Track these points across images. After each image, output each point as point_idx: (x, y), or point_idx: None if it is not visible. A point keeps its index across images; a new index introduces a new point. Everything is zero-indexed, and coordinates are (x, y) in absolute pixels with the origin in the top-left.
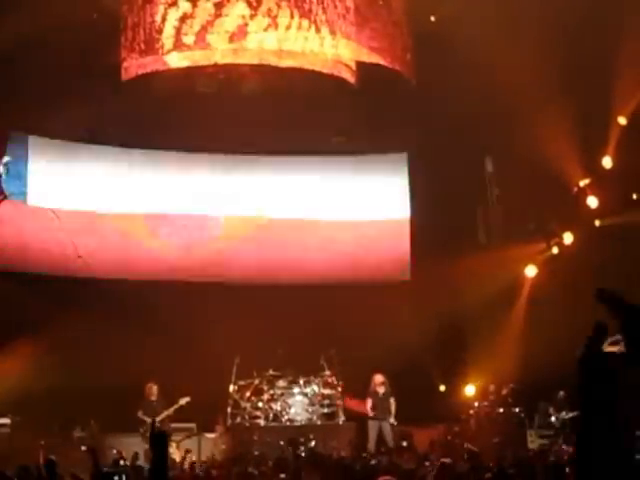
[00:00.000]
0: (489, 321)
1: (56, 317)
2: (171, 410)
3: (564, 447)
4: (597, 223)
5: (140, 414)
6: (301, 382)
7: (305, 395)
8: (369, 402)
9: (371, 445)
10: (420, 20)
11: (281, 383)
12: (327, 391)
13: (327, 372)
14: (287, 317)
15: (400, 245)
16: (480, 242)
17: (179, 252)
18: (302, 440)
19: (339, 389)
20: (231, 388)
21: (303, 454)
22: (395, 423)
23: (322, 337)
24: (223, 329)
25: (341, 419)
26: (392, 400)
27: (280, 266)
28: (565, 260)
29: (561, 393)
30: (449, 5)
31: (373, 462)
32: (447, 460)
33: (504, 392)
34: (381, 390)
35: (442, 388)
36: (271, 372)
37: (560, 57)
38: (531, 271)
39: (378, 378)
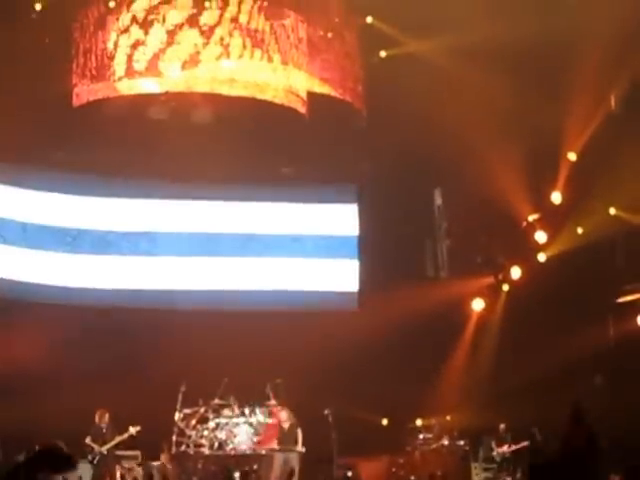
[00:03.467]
0: (435, 353)
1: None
2: (120, 439)
3: None
4: (542, 258)
5: (88, 440)
6: (246, 411)
7: (250, 424)
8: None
9: (275, 476)
10: (371, 54)
11: (226, 412)
12: (272, 420)
13: (273, 401)
14: (234, 345)
15: (348, 275)
16: (428, 274)
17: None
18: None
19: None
20: (176, 416)
21: None
22: (303, 450)
23: (268, 365)
24: (170, 356)
25: (299, 451)
26: (298, 431)
27: (228, 293)
28: (512, 294)
29: (502, 426)
30: (401, 41)
31: None
32: None
33: (448, 424)
34: (286, 425)
35: (384, 422)
36: (217, 401)
37: (511, 93)
38: (478, 304)
39: (283, 415)
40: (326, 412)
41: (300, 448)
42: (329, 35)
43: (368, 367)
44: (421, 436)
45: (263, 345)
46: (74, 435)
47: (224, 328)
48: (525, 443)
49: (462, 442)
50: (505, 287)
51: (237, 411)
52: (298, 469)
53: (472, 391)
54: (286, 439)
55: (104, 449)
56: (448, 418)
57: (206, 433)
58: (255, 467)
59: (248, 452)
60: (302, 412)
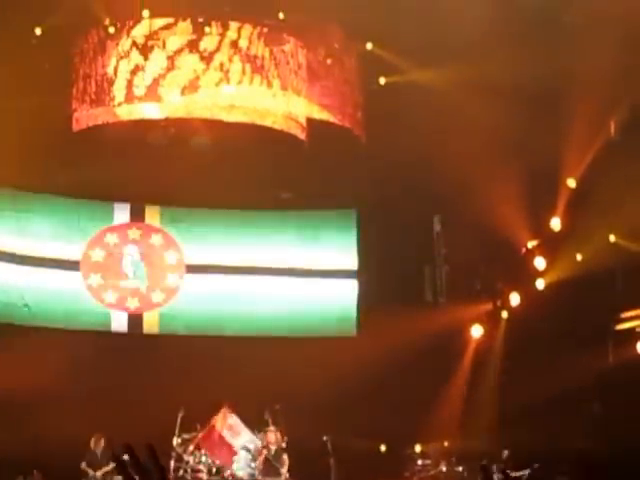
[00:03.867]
0: (433, 379)
1: None
2: (114, 465)
3: None
4: (541, 285)
5: (83, 465)
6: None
7: (248, 450)
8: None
9: None
10: (371, 80)
11: None
12: (271, 446)
13: (271, 427)
14: (232, 370)
15: (347, 301)
16: (427, 300)
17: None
18: None
19: (283, 444)
20: (174, 441)
21: None
22: (287, 476)
23: (266, 391)
24: (168, 381)
25: (284, 475)
26: (285, 456)
27: (226, 318)
28: (511, 321)
29: (505, 452)
30: (401, 68)
31: None
32: None
33: (446, 450)
34: (273, 448)
35: (383, 448)
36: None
37: (510, 120)
38: (477, 331)
39: (271, 437)
40: (325, 438)
41: (285, 473)
42: (328, 61)
43: (367, 393)
44: (419, 462)
45: (262, 371)
46: (69, 460)
47: (223, 354)
48: (526, 471)
49: (460, 468)
50: (504, 314)
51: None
52: None
53: (471, 417)
54: (271, 463)
55: (99, 474)
56: (445, 444)
57: (204, 459)
58: None
59: (246, 478)
60: (301, 438)
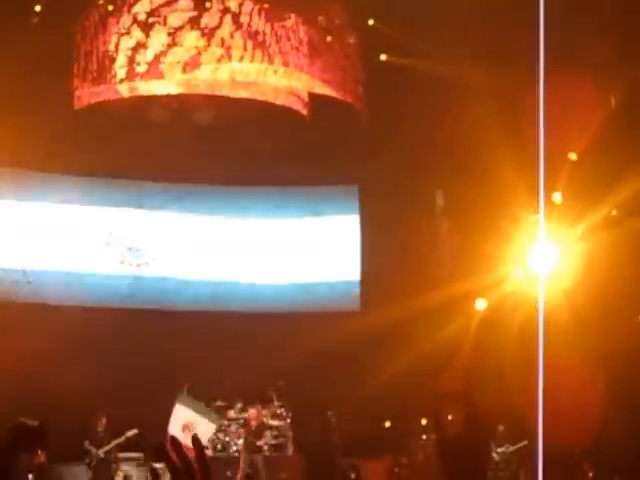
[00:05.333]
0: (438, 354)
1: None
2: (118, 441)
3: None
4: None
5: (87, 444)
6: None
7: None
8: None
9: (240, 476)
10: (373, 56)
11: (229, 414)
12: (276, 422)
13: (276, 403)
14: (236, 347)
15: (351, 277)
16: (430, 275)
17: (129, 279)
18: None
19: (288, 420)
20: None
21: None
22: (269, 453)
23: (271, 367)
24: (172, 358)
25: (290, 450)
26: (267, 433)
27: (229, 294)
28: (516, 294)
29: (501, 427)
30: (403, 43)
31: None
32: None
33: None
34: (254, 424)
35: (387, 424)
36: (219, 402)
37: (512, 93)
38: (481, 304)
39: (252, 413)
40: (329, 414)
41: (265, 449)
42: (330, 37)
43: (371, 368)
44: (424, 436)
45: (266, 347)
46: (72, 439)
47: (227, 330)
48: (524, 442)
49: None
50: (508, 287)
51: (240, 413)
52: (263, 472)
53: (475, 391)
54: (251, 438)
55: (101, 452)
56: (450, 418)
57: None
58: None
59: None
60: (305, 414)
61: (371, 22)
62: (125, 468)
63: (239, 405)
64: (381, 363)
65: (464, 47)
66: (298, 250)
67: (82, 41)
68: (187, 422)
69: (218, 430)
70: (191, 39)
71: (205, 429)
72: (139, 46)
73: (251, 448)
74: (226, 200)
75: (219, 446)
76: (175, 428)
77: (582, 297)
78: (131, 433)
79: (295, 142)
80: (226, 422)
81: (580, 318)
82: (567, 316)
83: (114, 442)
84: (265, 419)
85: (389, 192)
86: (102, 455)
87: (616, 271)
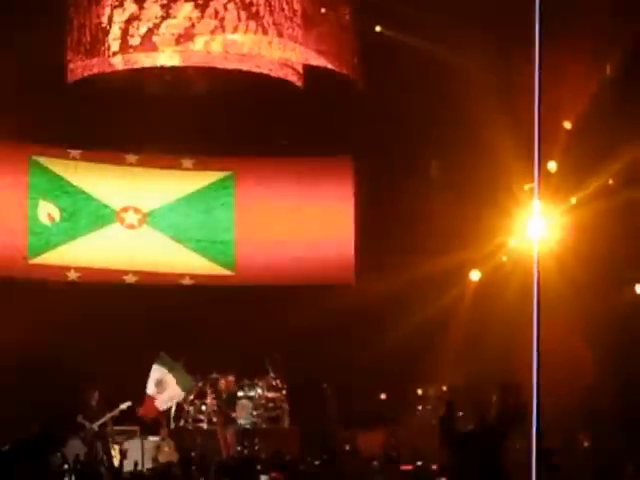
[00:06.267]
0: (432, 325)
1: None
2: (111, 414)
3: None
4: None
5: (80, 418)
6: (245, 385)
7: (250, 399)
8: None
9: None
10: (368, 26)
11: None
12: (272, 394)
13: (272, 375)
14: (231, 319)
15: (344, 249)
16: (425, 246)
17: (122, 252)
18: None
19: (284, 392)
20: None
21: None
22: (246, 426)
23: (266, 340)
24: (166, 331)
25: (286, 423)
26: (242, 402)
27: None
28: (511, 264)
29: (494, 397)
30: (399, 12)
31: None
32: None
33: (446, 396)
34: (225, 395)
35: (383, 396)
36: (215, 375)
37: (507, 61)
38: (475, 275)
39: (222, 383)
40: (325, 386)
41: (239, 420)
42: (324, 8)
43: (365, 340)
44: (419, 407)
45: (261, 319)
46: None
47: (222, 302)
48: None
49: (461, 413)
50: (504, 258)
51: (236, 386)
52: (235, 442)
53: (471, 363)
54: (222, 409)
55: (95, 426)
56: (444, 388)
57: (204, 408)
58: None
59: (248, 427)
60: (301, 386)
61: None
62: (120, 441)
63: (214, 375)
64: (376, 335)
65: (460, 15)
66: (292, 222)
67: (75, 14)
68: (159, 379)
69: (213, 403)
70: (185, 11)
71: (173, 392)
72: (132, 18)
73: (224, 420)
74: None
75: (214, 419)
76: (150, 386)
77: (577, 265)
78: (124, 406)
79: (289, 113)
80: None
81: (575, 286)
82: (562, 285)
83: (108, 415)
84: (237, 390)
85: (384, 163)
86: (97, 428)
87: (610, 240)
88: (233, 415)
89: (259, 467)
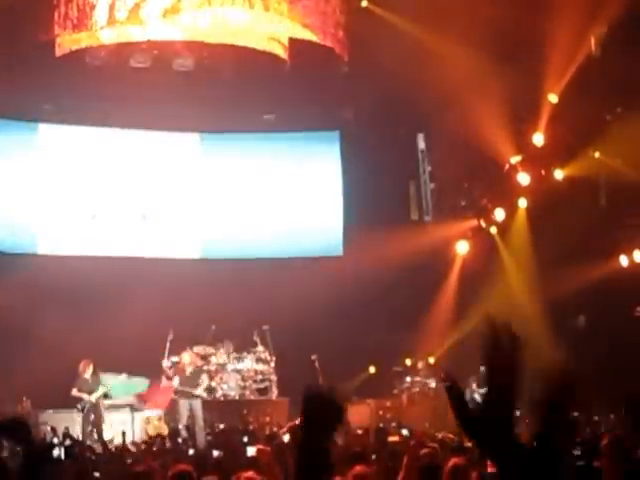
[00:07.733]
0: (420, 297)
1: None
2: (105, 389)
3: None
4: (524, 200)
5: (75, 392)
6: (234, 358)
7: (238, 371)
8: (176, 381)
9: (182, 423)
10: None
11: (214, 359)
12: (260, 367)
13: (260, 348)
14: (220, 293)
15: (333, 221)
16: (412, 219)
17: (111, 227)
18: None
19: (272, 364)
20: (164, 363)
21: None
22: (205, 395)
23: (255, 312)
24: (156, 304)
25: (274, 394)
26: (204, 376)
27: (213, 241)
28: (495, 237)
29: (482, 368)
30: None
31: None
32: None
33: (434, 367)
34: (189, 369)
35: (372, 369)
36: (205, 348)
37: (491, 36)
38: (462, 247)
39: (185, 357)
40: (313, 357)
41: (202, 393)
42: None
43: (353, 312)
44: (408, 379)
45: (250, 292)
46: (59, 386)
47: (211, 276)
48: None
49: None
50: (492, 229)
51: (225, 358)
52: (201, 415)
53: (457, 334)
54: (188, 383)
55: (92, 398)
56: (431, 360)
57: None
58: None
59: (237, 398)
60: (289, 357)
61: None
62: (114, 413)
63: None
64: (365, 307)
65: None
66: (280, 195)
67: None
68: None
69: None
70: None
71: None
72: None
73: (187, 395)
74: (206, 147)
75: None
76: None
77: (561, 235)
78: (118, 380)
79: (275, 88)
80: (212, 368)
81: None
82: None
83: (102, 389)
84: (201, 364)
85: (371, 137)
86: (94, 401)
87: (592, 212)
88: (195, 392)
89: (246, 439)
